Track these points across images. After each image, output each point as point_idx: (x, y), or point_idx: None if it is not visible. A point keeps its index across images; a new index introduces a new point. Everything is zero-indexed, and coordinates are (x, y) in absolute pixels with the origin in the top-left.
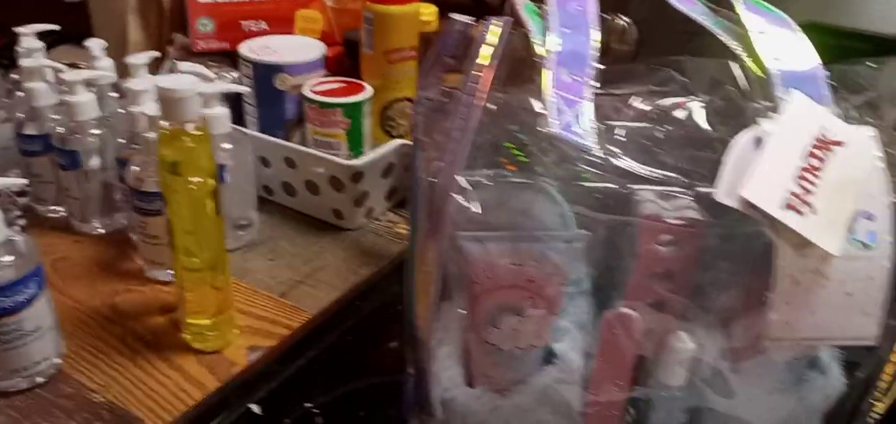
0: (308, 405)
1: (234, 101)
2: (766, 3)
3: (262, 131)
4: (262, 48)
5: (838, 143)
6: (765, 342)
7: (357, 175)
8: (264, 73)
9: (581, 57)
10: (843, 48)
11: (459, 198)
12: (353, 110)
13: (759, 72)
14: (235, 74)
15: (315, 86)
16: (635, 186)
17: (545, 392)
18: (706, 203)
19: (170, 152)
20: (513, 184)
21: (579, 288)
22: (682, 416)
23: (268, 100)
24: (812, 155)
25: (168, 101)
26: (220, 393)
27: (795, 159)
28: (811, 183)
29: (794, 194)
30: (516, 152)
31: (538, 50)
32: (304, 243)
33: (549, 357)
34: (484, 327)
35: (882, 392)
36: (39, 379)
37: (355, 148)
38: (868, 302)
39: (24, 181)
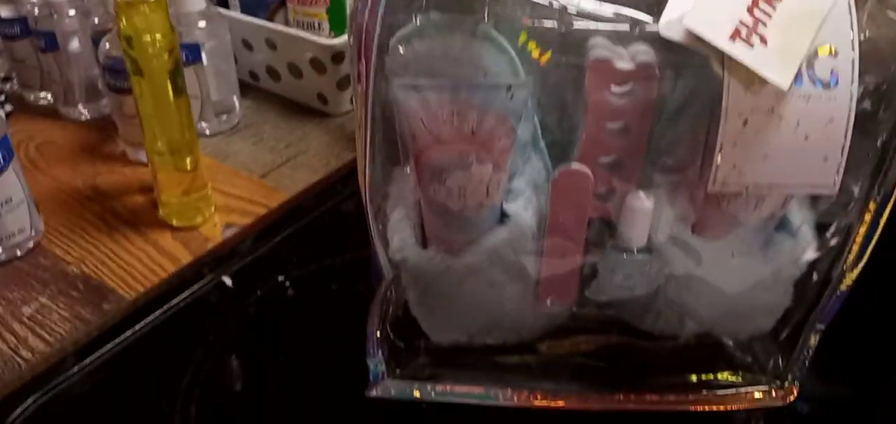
0: (281, 278)
1: None
2: None
3: (244, 12)
4: None
5: None
6: (710, 188)
7: (338, 55)
8: None
9: None
10: None
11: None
12: None
13: None
14: None
15: None
16: (584, 26)
17: (497, 251)
18: (663, 47)
19: (125, 24)
20: (456, 30)
21: (533, 144)
22: (641, 283)
23: None
24: None
25: None
26: (193, 267)
27: None
28: (765, 13)
29: (744, 24)
30: None
31: None
32: (288, 128)
33: (503, 217)
34: (430, 185)
35: (852, 262)
36: (18, 252)
37: (338, 27)
38: (827, 147)
39: None
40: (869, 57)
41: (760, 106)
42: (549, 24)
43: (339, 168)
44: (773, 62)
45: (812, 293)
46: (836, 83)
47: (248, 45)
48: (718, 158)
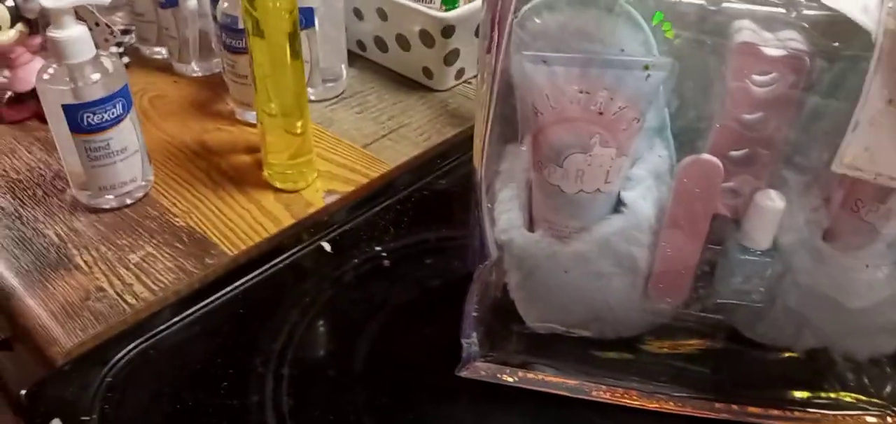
0: (378, 248)
1: None
2: None
3: None
4: None
5: None
6: (834, 166)
7: (448, 29)
8: None
9: None
10: None
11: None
12: None
13: None
14: None
15: None
16: (729, 6)
17: (608, 242)
18: (816, 35)
19: None
20: (590, 4)
21: (660, 131)
22: (763, 286)
23: None
24: None
25: None
26: (294, 229)
27: None
28: None
29: None
30: None
31: None
32: (393, 99)
33: (619, 205)
34: (547, 165)
35: None
36: (128, 201)
37: (449, 2)
38: None
39: (104, 0)
40: None
41: None
42: (694, 1)
43: (439, 143)
44: None
45: None
46: None
47: (358, 14)
48: (850, 135)
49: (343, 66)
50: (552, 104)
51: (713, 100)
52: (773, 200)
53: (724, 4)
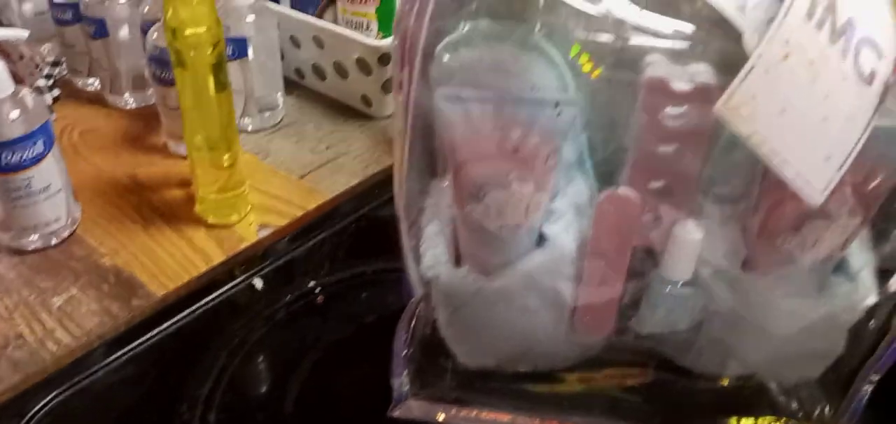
0: (311, 284)
1: None
2: None
3: (294, 8)
4: None
5: None
6: (717, 105)
7: (385, 57)
8: None
9: None
10: None
11: (440, 53)
12: None
13: None
14: None
15: None
16: (641, 42)
17: (532, 276)
18: (724, 68)
19: (170, 15)
20: (505, 40)
21: (579, 164)
22: (684, 318)
23: None
24: None
25: None
26: (225, 266)
27: None
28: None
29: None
30: None
31: None
32: (331, 128)
33: (541, 240)
34: (467, 201)
35: None
36: (53, 241)
37: (386, 29)
38: (834, 145)
39: (23, 33)
40: None
41: (809, 47)
42: (604, 37)
43: (378, 172)
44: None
45: (868, 341)
46: (871, 85)
47: (295, 42)
48: (742, 78)
49: (279, 95)
50: (468, 141)
51: (630, 132)
52: (691, 232)
53: (634, 41)
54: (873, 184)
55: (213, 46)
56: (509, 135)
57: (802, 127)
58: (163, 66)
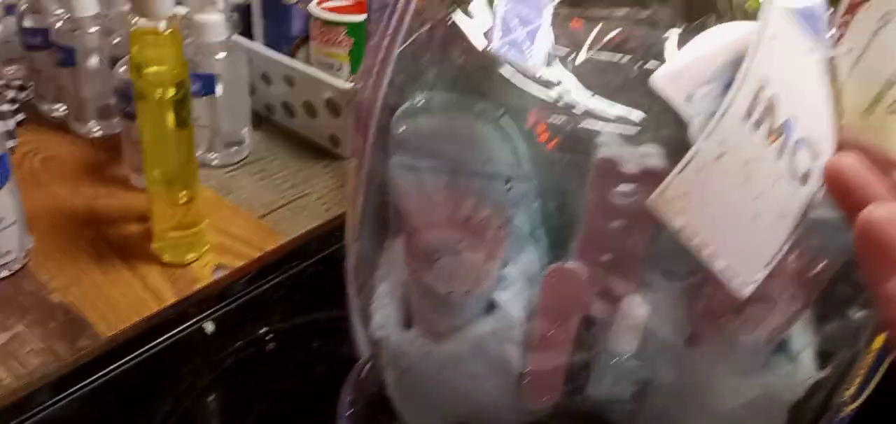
0: (263, 330)
1: (243, 12)
2: None
3: (268, 45)
4: None
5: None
6: (650, 198)
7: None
8: None
9: None
10: None
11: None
12: (358, 30)
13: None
14: None
15: (322, 1)
16: (593, 125)
17: (481, 343)
18: (673, 151)
19: (135, 52)
20: (462, 112)
21: (531, 234)
22: (631, 388)
23: (274, 14)
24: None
25: None
26: (177, 307)
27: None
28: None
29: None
30: None
31: None
32: (296, 166)
33: (492, 307)
34: (419, 265)
35: (853, 394)
36: (4, 273)
37: (358, 71)
38: (763, 241)
39: None
40: None
41: (743, 148)
42: (557, 119)
43: (340, 215)
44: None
45: (808, 418)
46: (806, 184)
47: (266, 79)
48: (677, 174)
49: (246, 131)
50: (421, 209)
51: (580, 207)
52: (637, 306)
53: (586, 122)
54: (814, 271)
55: (175, 85)
56: (461, 206)
57: (733, 223)
58: (127, 100)
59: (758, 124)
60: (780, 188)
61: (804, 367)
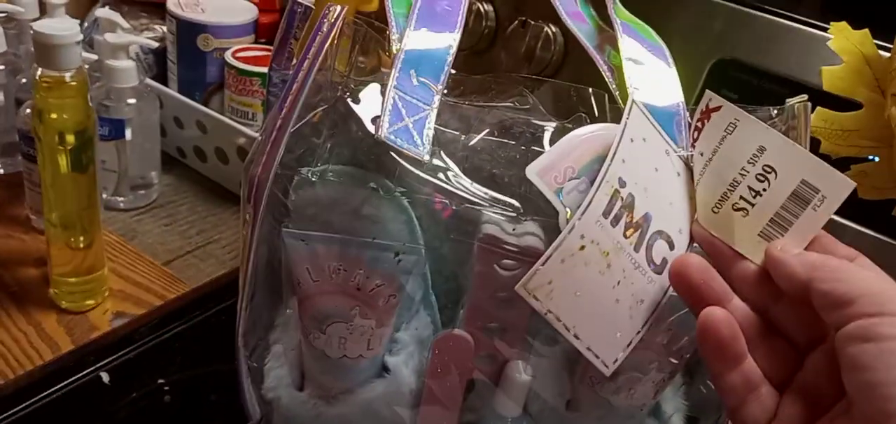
0: (161, 381)
1: (159, 56)
2: (647, 29)
3: (181, 91)
4: (190, 4)
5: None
6: (517, 286)
7: None
8: (187, 31)
9: (436, 60)
10: (759, 88)
11: (294, 192)
12: None
13: (622, 103)
14: (163, 29)
15: (238, 51)
16: (477, 206)
17: (371, 405)
18: (551, 231)
19: (39, 97)
20: (359, 184)
21: (423, 299)
22: None
23: (188, 60)
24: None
25: (41, 45)
26: (72, 356)
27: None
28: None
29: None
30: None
31: (393, 46)
32: (205, 212)
33: (384, 369)
34: (311, 330)
35: None
36: None
37: None
38: (625, 324)
39: None
40: None
41: (603, 241)
42: (441, 200)
43: None
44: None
45: None
46: (661, 273)
47: (178, 123)
48: (541, 265)
49: (155, 174)
50: (313, 277)
51: (467, 279)
52: (520, 373)
53: (469, 206)
54: (678, 345)
55: (75, 131)
56: (352, 275)
57: (594, 308)
58: (31, 143)
59: (617, 219)
60: (639, 276)
61: None
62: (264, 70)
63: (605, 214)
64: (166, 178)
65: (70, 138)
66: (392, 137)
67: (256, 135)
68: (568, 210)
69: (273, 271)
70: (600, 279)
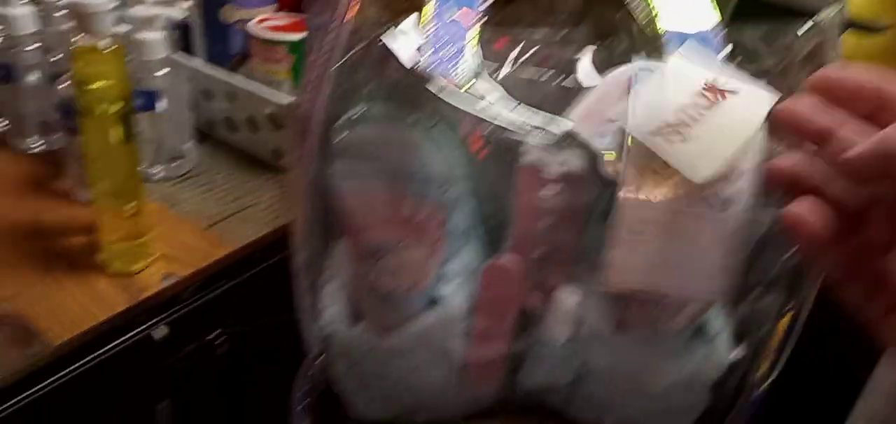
0: (214, 333)
1: (183, 30)
2: None
3: (208, 62)
4: None
5: (722, 94)
6: (602, 285)
7: None
8: (211, 4)
9: None
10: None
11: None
12: (299, 47)
13: (655, 29)
14: (190, 2)
15: (261, 20)
16: (518, 133)
17: (423, 336)
18: (592, 157)
19: (79, 68)
20: (399, 122)
21: (470, 231)
22: (565, 374)
23: (214, 32)
24: (698, 96)
25: (79, 15)
26: (126, 315)
27: (676, 98)
28: (692, 118)
29: (667, 123)
30: None
31: None
32: (240, 179)
33: (434, 301)
34: (363, 263)
35: (766, 371)
36: None
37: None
38: (716, 262)
39: None
40: None
41: (653, 215)
42: (485, 128)
43: (286, 224)
44: (688, 158)
45: (728, 396)
46: (732, 205)
47: (207, 95)
48: (609, 259)
49: (189, 146)
50: (364, 211)
51: (511, 208)
52: (568, 296)
53: (508, 133)
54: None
55: (120, 100)
56: (401, 207)
57: (674, 267)
58: (70, 115)
59: (657, 185)
60: (705, 224)
61: (721, 348)
62: (290, 37)
63: (643, 190)
64: (199, 150)
65: (114, 106)
66: (431, 69)
67: (286, 100)
68: (612, 152)
69: (322, 211)
70: (671, 244)
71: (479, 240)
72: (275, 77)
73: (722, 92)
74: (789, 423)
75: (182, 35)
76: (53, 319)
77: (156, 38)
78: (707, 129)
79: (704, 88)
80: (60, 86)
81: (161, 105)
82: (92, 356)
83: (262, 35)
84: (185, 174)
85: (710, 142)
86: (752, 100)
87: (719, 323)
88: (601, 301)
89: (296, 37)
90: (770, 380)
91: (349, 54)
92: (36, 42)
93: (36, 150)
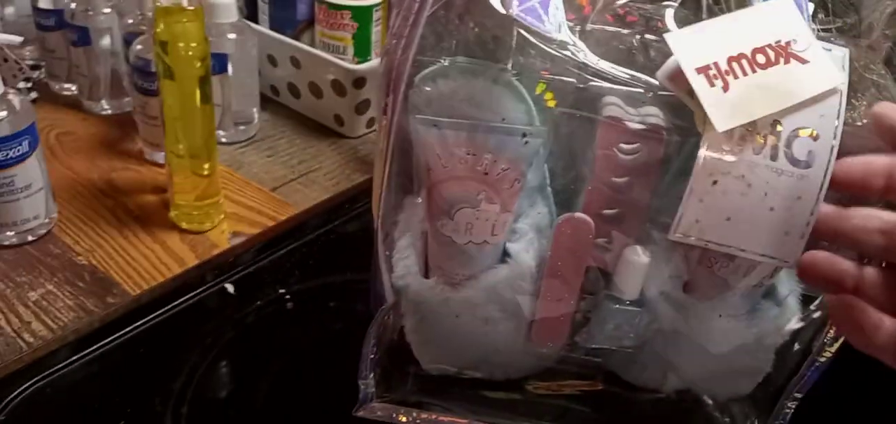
0: (281, 290)
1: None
2: None
3: (273, 29)
4: None
5: (789, 58)
6: (670, 235)
7: (359, 80)
8: None
9: None
10: None
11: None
12: (363, 14)
13: None
14: None
15: None
16: (600, 84)
17: (495, 289)
18: (672, 113)
19: (161, 29)
20: (479, 75)
21: (541, 190)
22: (633, 333)
23: None
24: (761, 50)
25: None
26: (197, 270)
27: (737, 43)
28: (742, 69)
29: (717, 65)
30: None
31: None
32: (303, 144)
33: (505, 256)
34: (439, 217)
35: (833, 336)
36: (30, 237)
37: (362, 53)
38: (792, 222)
39: (17, 38)
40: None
41: (732, 169)
42: (567, 78)
43: (348, 189)
44: (721, 106)
45: (793, 361)
46: (811, 165)
47: (272, 61)
48: (683, 209)
49: (255, 110)
50: (443, 163)
51: (587, 163)
52: (639, 255)
53: (593, 83)
54: None
55: (202, 61)
56: (480, 160)
57: (751, 224)
58: (146, 77)
59: (742, 140)
60: (785, 180)
61: (789, 312)
62: (355, 3)
63: (728, 138)
64: (263, 115)
65: (197, 65)
66: (522, 15)
67: (350, 66)
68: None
69: (399, 166)
70: (745, 199)
71: (547, 199)
72: (339, 43)
73: (792, 55)
74: (852, 396)
75: (247, 2)
76: (129, 273)
77: (227, 2)
78: (755, 85)
79: (773, 45)
80: (136, 48)
81: (231, 69)
82: (167, 308)
83: (327, 0)
84: (249, 139)
85: (750, 98)
86: (819, 76)
87: (788, 286)
88: (671, 260)
89: (361, 3)
90: (835, 348)
91: (436, 6)
92: (109, 5)
93: (107, 112)
